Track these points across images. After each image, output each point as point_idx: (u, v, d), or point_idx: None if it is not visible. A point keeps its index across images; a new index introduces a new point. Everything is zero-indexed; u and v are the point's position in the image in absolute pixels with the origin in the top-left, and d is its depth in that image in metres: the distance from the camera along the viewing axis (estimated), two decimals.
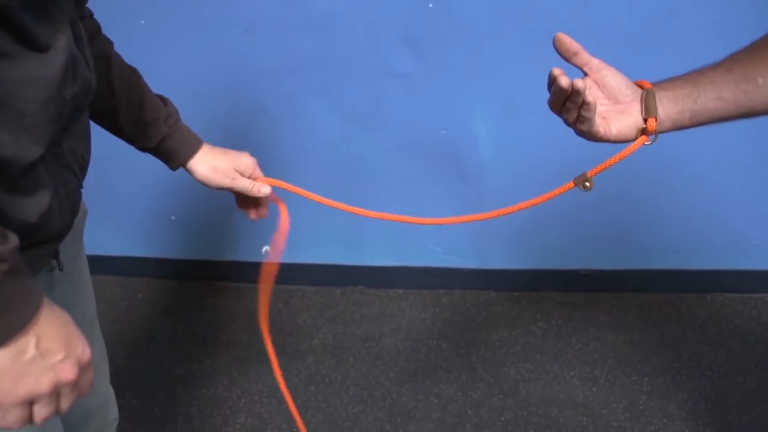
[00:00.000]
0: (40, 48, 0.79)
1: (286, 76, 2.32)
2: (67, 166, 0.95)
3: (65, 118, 0.87)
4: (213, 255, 2.73)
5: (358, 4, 2.17)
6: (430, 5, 2.14)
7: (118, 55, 1.19)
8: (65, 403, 0.80)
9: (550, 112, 0.96)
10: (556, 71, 0.92)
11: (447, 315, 2.53)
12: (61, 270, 1.07)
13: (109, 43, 1.18)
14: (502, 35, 2.17)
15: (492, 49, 2.19)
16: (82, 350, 0.81)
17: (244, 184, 1.27)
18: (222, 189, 1.27)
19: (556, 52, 1.02)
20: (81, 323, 1.18)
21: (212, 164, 1.25)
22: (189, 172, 1.26)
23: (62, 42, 0.82)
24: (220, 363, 2.35)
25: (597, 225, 2.45)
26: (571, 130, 0.98)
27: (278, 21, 2.22)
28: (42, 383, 0.76)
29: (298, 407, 2.15)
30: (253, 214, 1.35)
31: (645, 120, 0.95)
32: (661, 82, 0.98)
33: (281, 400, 2.18)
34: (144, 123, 1.19)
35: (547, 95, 0.97)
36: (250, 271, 2.69)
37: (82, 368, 0.80)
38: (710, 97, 0.93)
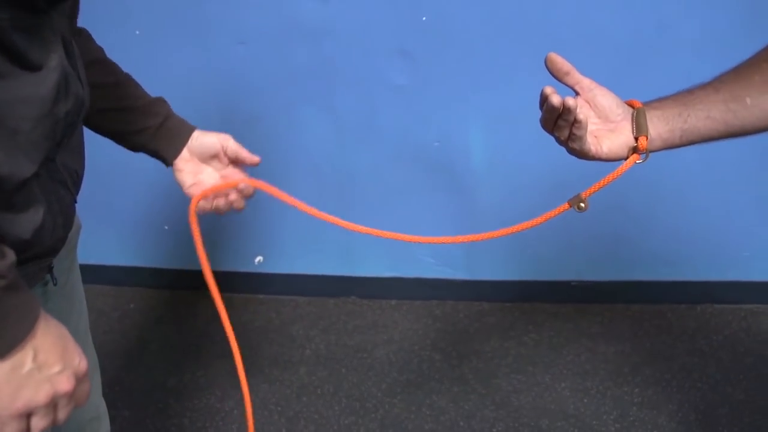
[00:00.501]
0: (32, 67, 0.79)
1: (281, 87, 2.33)
2: (61, 181, 0.96)
3: (59, 134, 0.87)
4: None
5: (352, 17, 2.18)
6: (424, 18, 2.16)
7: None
8: (62, 414, 0.80)
9: None
10: (548, 89, 0.95)
11: (439, 326, 2.53)
12: (55, 285, 1.07)
13: (99, 47, 1.20)
14: (495, 48, 2.19)
15: (485, 61, 2.21)
16: (79, 362, 0.82)
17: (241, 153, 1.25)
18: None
19: (548, 72, 1.02)
20: (74, 336, 1.18)
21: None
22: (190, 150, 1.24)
23: (54, 61, 0.82)
24: (213, 374, 2.35)
25: (588, 237, 2.47)
26: None
27: (273, 33, 2.24)
28: (39, 395, 0.76)
29: (290, 418, 2.16)
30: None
31: (636, 138, 0.96)
32: (652, 101, 0.99)
33: (273, 412, 2.18)
34: (139, 108, 1.20)
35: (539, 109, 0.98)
36: (243, 281, 2.70)
37: (79, 379, 0.81)
38: (700, 117, 0.95)
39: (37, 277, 0.99)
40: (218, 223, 2.61)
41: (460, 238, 1.16)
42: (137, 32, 2.24)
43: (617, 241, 2.50)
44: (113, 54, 1.21)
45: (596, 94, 0.99)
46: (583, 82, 1.00)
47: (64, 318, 1.13)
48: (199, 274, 2.81)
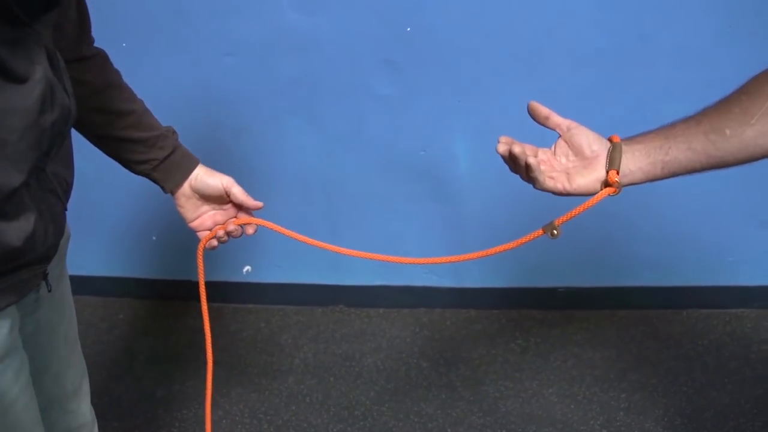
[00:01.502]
0: (17, 79, 0.80)
1: (268, 98, 2.34)
2: (51, 190, 0.97)
3: (46, 144, 0.88)
4: (194, 275, 2.70)
5: (338, 28, 2.20)
6: (408, 29, 2.18)
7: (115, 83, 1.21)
8: None
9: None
10: (501, 139, 1.06)
11: (427, 333, 2.55)
12: (49, 291, 1.08)
13: (115, 71, 1.21)
14: (480, 58, 2.21)
15: (470, 71, 2.23)
16: None
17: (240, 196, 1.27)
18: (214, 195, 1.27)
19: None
20: (63, 344, 1.20)
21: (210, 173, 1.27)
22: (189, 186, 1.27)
23: (39, 72, 0.83)
24: (202, 383, 2.34)
25: (574, 244, 2.48)
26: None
27: (259, 44, 2.25)
28: None
29: (279, 427, 2.16)
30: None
31: (607, 172, 1.00)
32: (634, 136, 1.03)
33: (263, 421, 2.19)
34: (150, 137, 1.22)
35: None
36: (231, 291, 2.71)
37: None
38: (681, 148, 0.98)
39: (31, 284, 1.00)
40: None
41: (444, 259, 1.22)
42: (124, 44, 2.25)
43: (603, 247, 2.52)
44: None
45: (573, 134, 1.05)
46: (562, 125, 1.07)
47: (53, 326, 1.14)
48: (187, 284, 2.83)
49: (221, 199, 1.28)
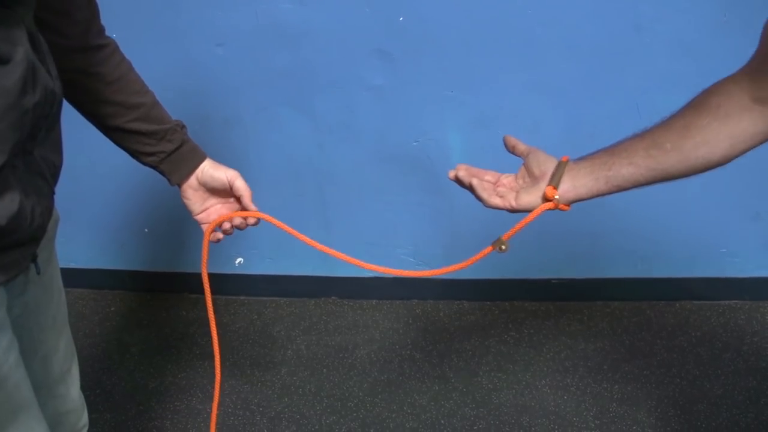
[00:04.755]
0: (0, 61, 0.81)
1: (259, 89, 2.33)
2: (39, 172, 0.97)
3: (28, 126, 0.88)
4: (186, 267, 2.73)
5: (330, 18, 2.19)
6: (401, 18, 2.17)
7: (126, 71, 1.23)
8: None
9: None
10: (458, 167, 1.21)
11: (420, 325, 2.54)
12: (38, 274, 1.09)
13: (126, 62, 1.23)
14: (473, 48, 2.20)
15: (463, 61, 2.22)
16: None
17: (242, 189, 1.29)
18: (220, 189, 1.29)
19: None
20: (51, 327, 1.20)
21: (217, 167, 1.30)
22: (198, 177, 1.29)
23: (20, 54, 0.84)
24: (194, 376, 2.35)
25: (567, 235, 2.48)
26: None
27: (250, 34, 2.24)
28: None
29: (271, 418, 2.16)
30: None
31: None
32: (584, 155, 1.10)
33: (255, 412, 2.19)
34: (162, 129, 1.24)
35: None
36: (224, 283, 2.70)
37: None
38: (623, 164, 1.04)
39: (21, 265, 1.00)
40: (198, 225, 2.61)
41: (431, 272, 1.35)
42: (114, 35, 2.23)
43: (596, 238, 2.52)
44: None
45: (529, 158, 1.14)
46: (524, 151, 1.16)
47: (40, 308, 1.14)
48: (180, 276, 2.82)
49: (226, 192, 1.30)
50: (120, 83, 1.18)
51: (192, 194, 1.30)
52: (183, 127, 1.28)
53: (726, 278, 2.55)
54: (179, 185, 1.29)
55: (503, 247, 1.14)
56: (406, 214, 2.49)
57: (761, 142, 1.01)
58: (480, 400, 2.20)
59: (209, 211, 1.33)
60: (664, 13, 2.11)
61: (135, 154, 1.25)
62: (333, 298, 2.70)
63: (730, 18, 2.08)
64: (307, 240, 1.32)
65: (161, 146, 1.24)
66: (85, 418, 1.37)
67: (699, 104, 1.02)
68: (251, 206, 1.31)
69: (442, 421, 2.13)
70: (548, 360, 2.34)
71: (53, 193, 1.04)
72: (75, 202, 2.43)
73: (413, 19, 2.17)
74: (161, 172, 1.27)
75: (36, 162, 0.96)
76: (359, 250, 2.60)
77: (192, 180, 1.28)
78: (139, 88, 1.23)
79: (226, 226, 1.32)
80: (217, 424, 2.15)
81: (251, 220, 1.33)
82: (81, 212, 2.59)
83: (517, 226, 1.12)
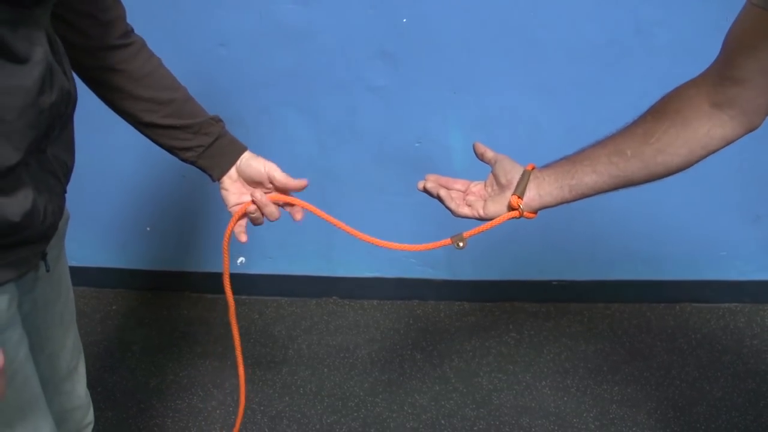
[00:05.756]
0: (18, 60, 0.83)
1: (262, 89, 2.33)
2: (51, 171, 0.99)
3: (44, 125, 0.90)
4: (188, 266, 2.73)
5: (332, 19, 2.19)
6: (404, 20, 2.17)
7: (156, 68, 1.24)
8: None
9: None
10: (426, 177, 1.24)
11: (421, 325, 2.55)
12: (48, 271, 1.10)
13: (154, 59, 1.24)
14: (476, 50, 2.21)
15: (465, 63, 2.23)
16: None
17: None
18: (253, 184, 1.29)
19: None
20: (59, 324, 1.21)
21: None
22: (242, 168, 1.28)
23: (39, 54, 0.86)
24: (195, 374, 2.35)
25: (568, 237, 2.49)
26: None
27: (253, 35, 2.24)
28: None
29: (272, 417, 2.17)
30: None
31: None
32: (549, 163, 1.12)
33: (256, 411, 2.19)
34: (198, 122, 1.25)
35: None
36: None
37: None
38: (586, 171, 1.06)
39: (31, 263, 1.01)
40: (200, 223, 2.62)
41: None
42: None
43: (596, 241, 2.52)
44: None
45: (496, 167, 1.16)
46: (492, 159, 1.19)
47: (48, 305, 1.16)
48: (181, 275, 2.83)
49: (264, 184, 1.29)
50: (149, 79, 1.18)
51: (230, 185, 1.28)
52: (219, 120, 1.28)
53: (726, 281, 2.56)
54: (220, 180, 1.28)
55: (461, 243, 1.17)
56: (408, 215, 2.50)
57: (720, 148, 1.02)
58: (480, 400, 2.21)
59: (245, 202, 1.29)
60: (664, 16, 2.11)
61: (173, 151, 1.24)
62: (334, 298, 2.70)
63: (730, 20, 2.08)
64: (353, 231, 1.36)
65: (198, 140, 1.23)
66: (90, 416, 1.38)
67: (658, 110, 1.03)
68: (299, 184, 1.31)
69: (443, 422, 2.14)
70: (548, 361, 2.35)
71: (65, 192, 1.05)
72: (76, 201, 2.42)
73: (416, 20, 2.17)
74: (202, 169, 1.26)
75: (48, 161, 0.97)
76: (361, 251, 2.61)
77: (232, 171, 1.27)
78: (169, 83, 1.24)
79: (251, 208, 1.28)
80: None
81: (297, 215, 1.32)
82: (82, 211, 2.58)
83: (480, 229, 1.15)
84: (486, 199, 1.16)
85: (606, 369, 2.30)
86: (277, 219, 1.29)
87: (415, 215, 2.50)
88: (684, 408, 2.14)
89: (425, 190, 1.23)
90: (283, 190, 1.29)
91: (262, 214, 1.28)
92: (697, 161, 1.03)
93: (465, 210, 1.17)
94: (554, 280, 2.60)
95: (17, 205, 0.89)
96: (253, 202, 1.26)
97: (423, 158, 2.38)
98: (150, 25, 2.27)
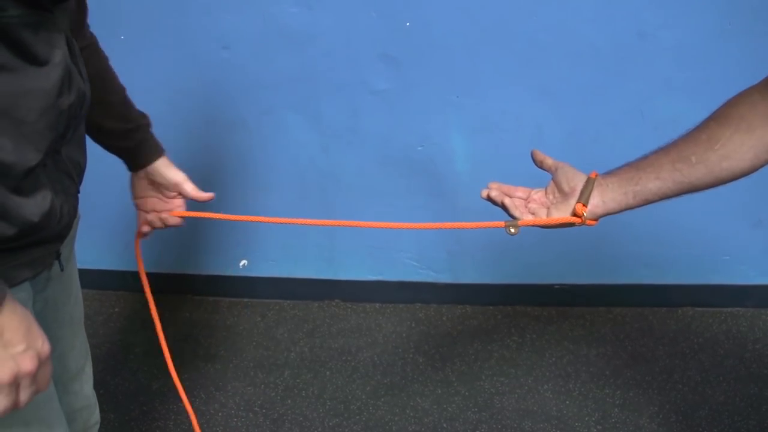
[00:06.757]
0: (38, 62, 0.84)
1: (265, 92, 2.34)
2: (66, 171, 1.00)
3: (62, 126, 0.92)
4: (190, 269, 2.74)
5: (336, 22, 2.20)
6: (408, 24, 2.18)
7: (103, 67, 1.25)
8: (24, 396, 0.82)
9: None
10: (489, 185, 1.21)
11: (423, 329, 2.55)
12: (62, 270, 1.12)
13: (105, 61, 1.25)
14: (478, 53, 2.21)
15: (468, 67, 2.23)
16: (42, 344, 0.84)
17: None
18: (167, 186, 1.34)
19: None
20: (68, 324, 1.22)
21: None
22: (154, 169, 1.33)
23: (59, 56, 0.87)
24: (197, 377, 2.35)
25: (570, 240, 2.49)
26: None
27: (257, 38, 2.25)
28: (3, 372, 0.79)
29: (274, 420, 2.17)
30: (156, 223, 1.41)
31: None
32: (612, 170, 1.12)
33: (258, 414, 2.19)
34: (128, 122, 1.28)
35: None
36: (227, 285, 2.71)
37: (42, 361, 0.83)
38: (650, 178, 1.06)
39: (45, 262, 1.03)
40: (203, 227, 2.62)
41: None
42: (122, 37, 2.25)
43: (599, 244, 2.52)
44: None
45: (557, 173, 1.15)
46: (552, 166, 1.17)
47: (58, 305, 1.16)
48: (183, 277, 2.83)
49: (169, 191, 1.35)
50: (96, 82, 1.19)
51: (137, 182, 1.35)
52: (148, 124, 1.31)
53: (728, 285, 2.55)
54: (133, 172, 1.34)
55: (513, 229, 1.15)
56: (411, 218, 2.50)
57: None
58: (482, 404, 2.21)
59: (146, 199, 1.38)
60: (667, 20, 2.11)
61: (96, 141, 1.29)
62: (336, 301, 2.70)
63: (732, 25, 2.08)
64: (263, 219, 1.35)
65: (123, 143, 1.28)
66: (97, 415, 1.39)
67: (722, 116, 1.03)
68: (203, 196, 1.35)
69: (445, 425, 2.14)
70: (551, 365, 2.35)
71: (78, 192, 1.07)
72: (80, 202, 2.44)
73: (419, 24, 2.18)
74: (120, 158, 1.33)
75: (63, 161, 0.99)
76: (363, 254, 2.61)
77: (141, 172, 1.33)
78: (111, 86, 1.26)
79: (157, 223, 1.40)
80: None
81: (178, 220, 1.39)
82: (85, 213, 2.59)
83: (539, 221, 1.15)
84: (549, 206, 1.16)
85: (608, 373, 2.30)
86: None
87: (417, 218, 2.50)
88: (686, 412, 2.14)
89: (489, 199, 1.22)
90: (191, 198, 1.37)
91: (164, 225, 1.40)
92: (762, 165, 1.03)
93: (529, 218, 1.16)
94: (556, 284, 2.60)
95: (36, 205, 0.90)
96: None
97: (425, 161, 2.39)
98: (153, 28, 2.29)
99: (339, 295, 2.70)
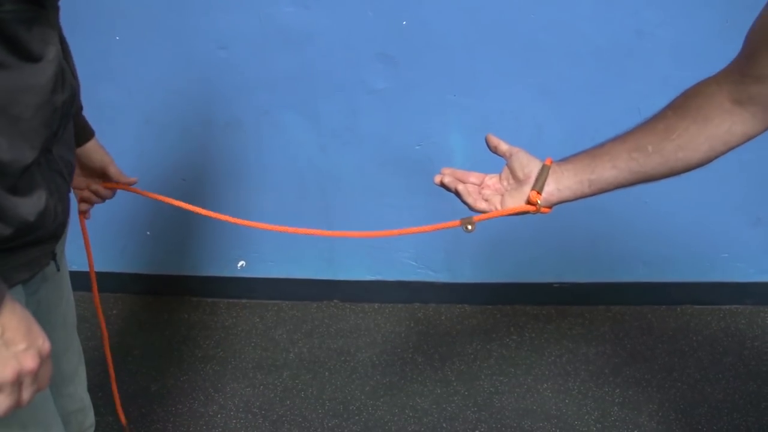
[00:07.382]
0: (33, 59, 0.84)
1: (262, 92, 2.33)
2: (58, 171, 1.00)
3: (56, 124, 0.92)
4: (188, 270, 2.73)
5: (333, 22, 2.19)
6: (404, 23, 2.17)
7: None
8: (26, 395, 0.83)
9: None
10: (442, 171, 1.23)
11: (422, 328, 2.55)
12: (58, 270, 1.12)
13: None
14: (476, 52, 2.21)
15: (466, 65, 2.23)
16: (43, 342, 0.84)
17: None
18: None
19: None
20: (61, 327, 1.22)
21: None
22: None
23: (53, 53, 0.88)
24: (196, 378, 2.35)
25: (569, 239, 2.49)
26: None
27: (254, 38, 2.24)
28: (6, 371, 0.79)
29: (273, 421, 2.17)
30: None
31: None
32: (567, 157, 1.11)
33: (258, 415, 2.19)
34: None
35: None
36: (225, 286, 2.70)
37: (43, 359, 0.83)
38: (606, 167, 1.05)
39: (41, 262, 1.02)
40: (201, 228, 2.62)
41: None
42: (117, 38, 2.24)
43: (597, 242, 2.52)
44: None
45: (512, 159, 1.15)
46: (507, 152, 1.18)
47: (51, 307, 1.16)
48: (181, 279, 2.83)
49: (95, 172, 1.38)
50: None
51: None
52: (80, 107, 1.31)
53: (727, 283, 2.55)
54: None
55: (470, 226, 1.15)
56: (409, 217, 2.50)
57: (739, 144, 1.02)
58: (482, 403, 2.20)
59: (77, 180, 1.39)
60: (665, 18, 2.11)
61: None
62: (335, 301, 2.70)
63: (731, 23, 2.08)
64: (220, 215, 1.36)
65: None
66: (91, 418, 1.39)
67: (679, 106, 1.03)
68: (126, 180, 1.41)
69: (444, 425, 2.14)
70: (550, 364, 2.34)
71: (70, 191, 1.06)
72: (76, 205, 2.44)
73: (416, 23, 2.17)
74: None
75: (55, 160, 0.99)
76: (361, 253, 2.61)
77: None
78: None
79: (87, 195, 1.42)
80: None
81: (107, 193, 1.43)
82: None
83: (490, 215, 1.14)
84: (503, 193, 1.15)
85: (607, 371, 2.30)
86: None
87: (415, 218, 2.50)
88: (685, 410, 2.14)
89: (442, 185, 1.22)
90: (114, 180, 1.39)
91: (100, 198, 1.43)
92: (717, 157, 1.02)
93: (482, 205, 1.16)
94: (555, 283, 2.60)
95: (32, 205, 0.91)
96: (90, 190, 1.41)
97: (423, 161, 2.38)
98: (151, 27, 2.28)
99: (337, 296, 2.70)
